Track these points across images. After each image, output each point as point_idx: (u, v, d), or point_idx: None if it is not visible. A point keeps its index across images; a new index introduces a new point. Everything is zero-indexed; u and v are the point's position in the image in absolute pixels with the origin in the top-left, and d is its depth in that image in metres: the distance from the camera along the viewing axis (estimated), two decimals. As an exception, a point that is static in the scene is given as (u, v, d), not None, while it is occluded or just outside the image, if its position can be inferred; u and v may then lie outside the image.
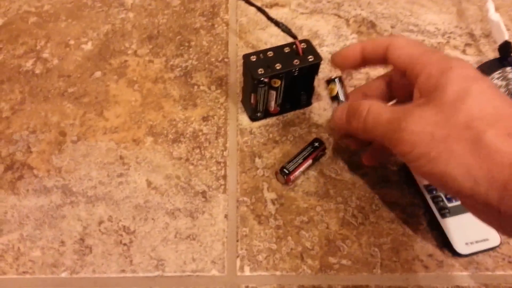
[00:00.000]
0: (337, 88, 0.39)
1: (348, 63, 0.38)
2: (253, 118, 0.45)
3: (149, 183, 0.40)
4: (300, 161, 0.40)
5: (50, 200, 0.38)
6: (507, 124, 0.27)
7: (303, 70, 0.42)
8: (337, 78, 0.39)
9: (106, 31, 0.52)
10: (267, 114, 0.45)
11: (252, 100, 0.43)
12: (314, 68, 0.43)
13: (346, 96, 0.39)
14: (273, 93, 0.43)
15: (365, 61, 0.37)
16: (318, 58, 0.43)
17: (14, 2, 0.54)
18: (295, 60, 0.41)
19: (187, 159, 0.41)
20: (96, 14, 0.53)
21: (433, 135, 0.28)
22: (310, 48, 0.42)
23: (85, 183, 0.40)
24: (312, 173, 0.41)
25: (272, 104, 0.43)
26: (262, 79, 0.40)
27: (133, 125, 0.43)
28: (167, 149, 0.42)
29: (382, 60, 0.35)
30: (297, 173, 0.40)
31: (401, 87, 0.37)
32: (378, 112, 0.32)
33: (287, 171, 0.39)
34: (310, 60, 0.42)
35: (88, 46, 0.50)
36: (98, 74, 0.47)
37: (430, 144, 0.28)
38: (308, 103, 0.47)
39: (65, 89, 0.46)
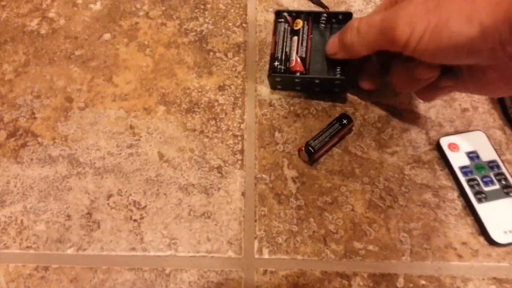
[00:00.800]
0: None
1: None
2: (272, 71, 0.38)
3: (161, 156, 0.36)
4: (326, 139, 0.36)
5: (56, 170, 0.35)
6: None
7: (331, 19, 0.40)
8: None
9: (116, -10, 0.47)
10: (287, 69, 0.38)
11: (272, 46, 0.39)
12: (345, 22, 0.38)
13: None
14: (295, 38, 0.39)
15: None
16: (348, 15, 0.39)
17: (18, -44, 0.49)
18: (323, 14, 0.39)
19: (202, 131, 0.38)
20: (106, -28, 0.49)
21: (427, 6, 0.28)
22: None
23: (93, 153, 0.36)
24: (336, 150, 0.38)
25: (294, 55, 0.38)
26: (283, 13, 0.40)
27: (144, 92, 0.40)
28: (180, 119, 0.38)
29: None
30: (322, 152, 0.36)
31: None
32: (369, 18, 0.32)
33: (312, 150, 0.36)
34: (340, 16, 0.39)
35: (97, 6, 0.46)
36: (107, 36, 0.43)
37: (426, 16, 0.27)
38: (343, 88, 0.39)
39: (72, 51, 0.42)
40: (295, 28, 0.40)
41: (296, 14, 0.40)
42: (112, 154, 0.36)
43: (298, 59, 0.38)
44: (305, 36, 0.39)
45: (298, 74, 0.38)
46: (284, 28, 0.40)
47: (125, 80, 0.40)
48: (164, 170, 0.36)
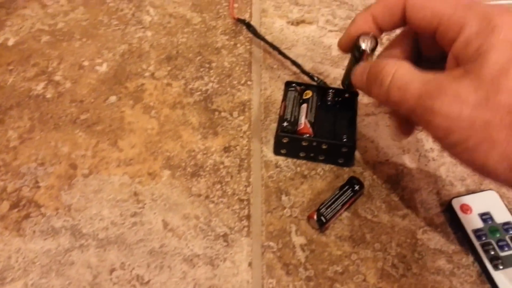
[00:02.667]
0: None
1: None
2: (280, 130, 0.36)
3: (165, 224, 0.34)
4: (338, 207, 0.34)
5: (58, 243, 0.33)
6: None
7: (338, 96, 0.38)
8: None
9: (122, 51, 0.46)
10: (296, 131, 0.36)
11: (281, 110, 0.37)
12: (350, 101, 0.38)
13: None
14: (304, 106, 0.38)
15: (380, 30, 0.30)
16: (355, 93, 0.38)
17: (27, 20, 0.49)
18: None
19: (207, 196, 0.36)
20: (112, 33, 0.48)
21: (472, 121, 0.22)
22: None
23: (96, 224, 0.34)
24: (346, 213, 0.35)
25: (303, 119, 0.37)
26: (294, 84, 0.39)
27: (149, 156, 0.38)
28: (185, 184, 0.36)
29: (400, 23, 0.28)
30: (333, 219, 0.34)
31: (431, 47, 0.29)
32: (405, 81, 0.25)
33: (324, 220, 0.33)
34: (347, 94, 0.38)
35: (103, 68, 0.45)
36: (113, 98, 0.42)
37: (468, 131, 0.23)
38: (348, 157, 0.37)
39: (78, 115, 0.41)
40: (305, 97, 0.39)
41: (305, 87, 0.40)
42: (115, 224, 0.34)
43: (307, 123, 0.36)
44: (314, 104, 0.38)
45: (306, 137, 0.36)
46: (294, 96, 0.39)
47: (130, 144, 0.39)
48: (168, 240, 0.33)
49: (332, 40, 0.49)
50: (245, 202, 0.36)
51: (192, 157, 0.38)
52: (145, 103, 0.42)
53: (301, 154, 0.38)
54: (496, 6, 0.24)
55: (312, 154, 0.38)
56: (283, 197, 0.36)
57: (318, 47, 0.48)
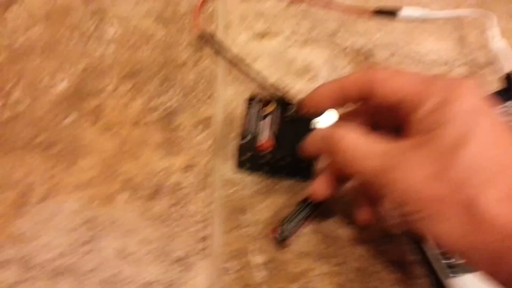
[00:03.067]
0: None
1: (324, 106, 0.30)
2: (241, 148, 0.36)
3: (120, 251, 0.33)
4: (298, 223, 0.33)
5: (5, 276, 0.32)
6: (507, 182, 0.22)
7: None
8: None
9: (83, 67, 0.45)
10: (255, 146, 0.36)
11: (242, 125, 0.37)
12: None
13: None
14: (266, 120, 0.37)
15: (345, 100, 0.30)
16: None
17: (-15, 37, 0.47)
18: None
19: (165, 219, 0.35)
20: (74, 48, 0.47)
21: (426, 193, 0.23)
22: None
23: (47, 254, 0.33)
24: (306, 228, 0.35)
25: (264, 134, 0.36)
26: (256, 98, 0.39)
27: (106, 178, 0.37)
28: (143, 207, 0.35)
29: (366, 97, 0.28)
30: (295, 235, 0.33)
31: (389, 119, 0.29)
32: (364, 153, 0.26)
33: (284, 236, 0.32)
34: None
35: (63, 85, 0.43)
36: (71, 117, 0.41)
37: (422, 203, 0.23)
38: (308, 173, 0.37)
39: (34, 137, 0.39)
40: (266, 112, 0.38)
41: (268, 101, 0.39)
42: (66, 253, 0.33)
43: (268, 138, 0.36)
44: (276, 119, 0.37)
45: (266, 152, 0.35)
46: (256, 110, 0.38)
47: (87, 166, 0.37)
48: (122, 268, 0.32)
49: (296, 52, 0.48)
50: (205, 223, 0.35)
51: (152, 177, 0.37)
52: (105, 121, 0.41)
53: (264, 168, 0.37)
54: (458, 78, 0.25)
55: (273, 169, 0.37)
56: (244, 216, 0.35)
57: (283, 59, 0.47)
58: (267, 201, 0.36)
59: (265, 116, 0.38)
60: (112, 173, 0.37)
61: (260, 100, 0.39)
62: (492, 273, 0.22)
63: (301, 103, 0.32)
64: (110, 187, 0.36)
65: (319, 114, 0.34)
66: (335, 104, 0.30)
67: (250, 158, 0.36)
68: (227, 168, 0.38)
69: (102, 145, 0.39)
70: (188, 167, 0.38)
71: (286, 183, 0.37)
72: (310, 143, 0.31)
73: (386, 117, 0.30)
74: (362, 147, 0.26)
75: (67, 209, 0.35)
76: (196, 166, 0.38)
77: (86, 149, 0.38)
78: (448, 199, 0.22)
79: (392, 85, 0.26)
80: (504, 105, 0.43)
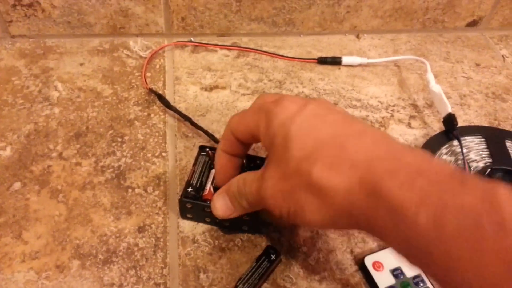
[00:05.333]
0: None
1: (231, 171, 0.37)
2: (184, 196, 0.38)
3: (75, 322, 0.33)
4: (256, 281, 0.35)
5: None
6: (327, 152, 0.27)
7: (250, 162, 0.40)
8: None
9: (27, 132, 0.46)
10: (199, 197, 0.38)
11: (189, 174, 0.39)
12: (260, 167, 0.40)
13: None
14: (213, 171, 0.39)
15: (240, 153, 0.37)
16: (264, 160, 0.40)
17: None
18: None
19: (121, 285, 0.35)
20: (17, 113, 0.48)
21: (283, 192, 0.29)
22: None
23: (-3, 331, 0.33)
24: (265, 285, 0.36)
25: (209, 185, 0.38)
26: (207, 149, 0.41)
27: (56, 246, 0.37)
28: (96, 274, 0.36)
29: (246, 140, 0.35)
30: None
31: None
32: (249, 183, 0.32)
33: None
34: (258, 161, 0.40)
35: (7, 152, 0.44)
36: (17, 185, 0.41)
37: (285, 202, 0.29)
38: (252, 227, 0.39)
39: (-23, 208, 0.39)
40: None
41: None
42: (19, 328, 0.33)
43: (212, 189, 0.38)
44: None
45: (208, 203, 0.37)
46: (205, 161, 0.40)
47: (35, 235, 0.38)
48: None
49: (246, 103, 0.51)
50: (162, 286, 0.36)
51: (104, 242, 0.38)
52: (52, 187, 0.41)
53: (207, 220, 0.39)
54: (272, 97, 0.32)
55: (217, 220, 0.38)
56: (201, 275, 0.37)
57: (232, 112, 0.50)
58: (226, 258, 0.38)
59: (211, 167, 0.40)
60: (62, 241, 0.38)
61: (210, 151, 0.41)
62: (353, 229, 0.30)
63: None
64: (61, 255, 0.36)
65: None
66: (235, 163, 0.37)
67: (192, 207, 0.38)
68: (183, 226, 0.39)
69: (50, 212, 0.39)
70: (141, 228, 0.39)
71: (244, 237, 0.39)
72: (222, 205, 0.35)
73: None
74: (250, 181, 0.32)
75: (18, 282, 0.35)
76: (150, 226, 0.39)
77: (33, 217, 0.39)
78: (296, 187, 0.28)
79: (242, 128, 0.33)
80: (446, 145, 0.48)
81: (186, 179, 0.41)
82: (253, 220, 0.38)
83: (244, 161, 0.39)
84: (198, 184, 0.38)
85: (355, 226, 0.27)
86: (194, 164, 0.40)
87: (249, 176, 0.32)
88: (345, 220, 0.27)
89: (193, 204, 0.37)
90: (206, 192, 0.38)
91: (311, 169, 0.27)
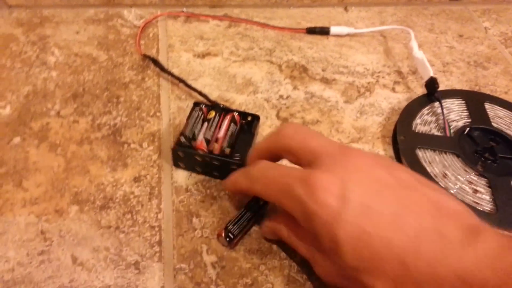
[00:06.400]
0: None
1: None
2: (176, 144, 0.40)
3: (74, 259, 0.35)
4: (245, 223, 0.37)
5: (-43, 291, 0.33)
6: (388, 269, 0.25)
7: (241, 118, 0.43)
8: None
9: (26, 93, 0.48)
10: (191, 146, 0.40)
11: (183, 126, 0.41)
12: (251, 123, 0.42)
13: None
14: (205, 124, 0.41)
15: (274, 158, 0.36)
16: (257, 116, 0.43)
17: None
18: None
19: (117, 227, 0.37)
20: (16, 76, 0.49)
21: (338, 284, 0.29)
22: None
23: (1, 266, 0.34)
24: (254, 228, 0.38)
25: (201, 136, 0.40)
26: (201, 105, 0.43)
27: (55, 193, 0.39)
28: (94, 217, 0.38)
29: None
30: (241, 235, 0.37)
31: None
32: (297, 244, 0.33)
33: (232, 236, 0.36)
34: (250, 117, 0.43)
35: (6, 110, 0.46)
36: (17, 140, 0.43)
37: (339, 280, 0.29)
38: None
39: (-21, 161, 0.41)
40: (208, 117, 0.42)
41: (211, 108, 0.44)
42: (22, 264, 0.35)
43: (203, 141, 0.40)
44: (214, 124, 0.41)
45: (200, 152, 0.39)
46: (198, 115, 0.42)
47: (35, 184, 0.40)
48: (78, 274, 0.34)
49: (237, 69, 0.53)
50: (156, 229, 0.38)
51: (101, 190, 0.40)
52: (50, 141, 0.43)
53: (197, 169, 0.41)
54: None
55: (207, 170, 0.41)
56: (194, 219, 0.39)
57: (224, 77, 0.52)
58: (217, 205, 0.40)
59: (205, 121, 0.42)
60: (61, 189, 0.39)
61: (203, 107, 0.43)
62: None
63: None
64: (60, 201, 0.38)
65: None
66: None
67: (184, 156, 0.40)
68: (176, 177, 0.41)
69: (49, 163, 0.41)
70: (137, 178, 0.41)
71: (233, 186, 0.41)
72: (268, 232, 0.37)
73: None
74: (294, 239, 0.33)
75: (20, 224, 0.37)
76: (145, 177, 0.41)
77: (33, 168, 0.41)
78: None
79: (269, 192, 0.32)
80: (428, 107, 0.50)
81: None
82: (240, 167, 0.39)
83: (237, 118, 0.42)
84: (191, 135, 0.40)
85: None
86: (188, 118, 0.42)
87: (297, 238, 0.33)
88: None
89: (185, 152, 0.39)
90: (198, 142, 0.40)
91: (374, 283, 0.25)
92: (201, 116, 0.42)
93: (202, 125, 0.42)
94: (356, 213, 0.25)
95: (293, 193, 0.28)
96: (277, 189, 0.30)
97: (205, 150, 0.39)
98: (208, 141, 0.40)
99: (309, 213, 0.27)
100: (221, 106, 0.44)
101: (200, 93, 0.48)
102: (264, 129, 0.46)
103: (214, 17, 0.60)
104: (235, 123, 0.42)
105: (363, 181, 0.27)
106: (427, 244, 0.24)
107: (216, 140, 0.40)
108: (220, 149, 0.40)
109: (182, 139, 0.40)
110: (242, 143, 0.41)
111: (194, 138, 0.40)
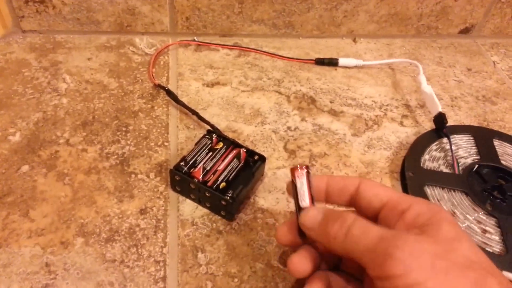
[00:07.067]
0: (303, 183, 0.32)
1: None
2: (175, 167, 0.40)
3: (78, 294, 0.35)
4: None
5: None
6: (501, 278, 0.26)
7: (248, 156, 0.43)
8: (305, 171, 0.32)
9: (36, 120, 0.48)
10: (188, 172, 0.40)
11: (192, 149, 0.42)
12: (256, 162, 0.43)
13: (310, 196, 0.32)
14: (210, 154, 0.42)
15: (328, 198, 0.33)
16: (263, 157, 0.43)
17: None
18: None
19: (122, 261, 0.37)
20: (27, 102, 0.50)
21: (433, 264, 0.25)
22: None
23: (4, 299, 0.34)
24: (259, 265, 0.38)
25: (200, 165, 0.40)
26: (213, 134, 0.43)
27: (61, 224, 0.39)
28: (99, 250, 0.37)
29: (348, 200, 0.33)
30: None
31: (351, 264, 0.33)
32: (365, 225, 0.28)
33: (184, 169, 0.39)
34: (256, 157, 0.43)
35: (16, 138, 0.46)
36: (25, 168, 0.43)
37: (429, 273, 0.25)
38: (229, 213, 0.40)
39: (-13, 188, 0.41)
40: (215, 147, 0.42)
41: (221, 139, 0.44)
42: (25, 297, 0.34)
43: (201, 169, 0.40)
44: (217, 155, 0.41)
45: (195, 180, 0.39)
46: (206, 143, 0.42)
47: (42, 214, 0.39)
48: (81, 309, 0.34)
49: (245, 99, 0.53)
50: (161, 264, 0.37)
51: (107, 222, 0.39)
52: (58, 170, 0.43)
53: (192, 196, 0.41)
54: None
55: (200, 199, 0.41)
56: (199, 255, 0.38)
57: (232, 107, 0.52)
58: (222, 239, 0.39)
59: (210, 151, 0.42)
60: (67, 220, 0.39)
61: (214, 137, 0.44)
62: None
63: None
64: (66, 233, 0.38)
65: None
66: (320, 198, 0.33)
67: (180, 180, 0.40)
68: (183, 209, 0.41)
69: (56, 193, 0.41)
70: (143, 210, 0.41)
71: (240, 220, 0.41)
72: (311, 217, 0.31)
73: (349, 265, 0.33)
74: (368, 224, 0.28)
75: (25, 255, 0.36)
76: (152, 209, 0.41)
77: (40, 197, 0.40)
78: (458, 272, 0.25)
79: (378, 191, 0.31)
80: (436, 142, 0.49)
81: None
82: (230, 207, 0.39)
83: (242, 155, 0.42)
84: (192, 161, 0.41)
85: None
86: (196, 144, 0.43)
87: (367, 221, 0.29)
88: None
89: (181, 177, 0.40)
90: (196, 169, 0.40)
91: (487, 276, 0.25)
92: (208, 145, 0.42)
93: (206, 154, 0.42)
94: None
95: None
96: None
97: (199, 179, 0.39)
98: (206, 171, 0.40)
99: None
100: (231, 140, 0.44)
101: (212, 126, 0.48)
102: (271, 161, 0.46)
103: (224, 46, 0.60)
104: (239, 159, 0.42)
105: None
106: None
107: (214, 172, 0.40)
108: (213, 181, 0.39)
109: (182, 163, 0.40)
110: (240, 181, 0.40)
111: (194, 165, 0.40)
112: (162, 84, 0.53)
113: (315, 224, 0.31)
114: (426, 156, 0.48)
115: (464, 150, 0.49)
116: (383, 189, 0.32)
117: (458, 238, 0.27)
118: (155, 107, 0.51)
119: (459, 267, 0.25)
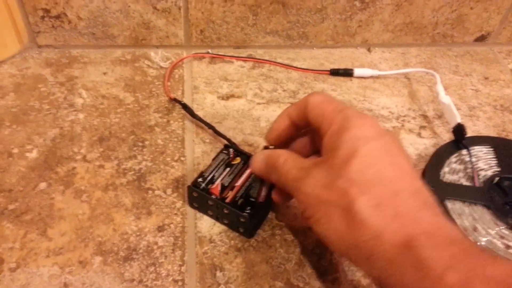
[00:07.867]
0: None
1: (283, 136, 0.38)
2: (193, 184, 0.39)
3: (97, 315, 0.34)
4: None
5: None
6: (380, 192, 0.27)
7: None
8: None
9: (53, 136, 0.47)
10: (206, 189, 0.39)
11: (209, 164, 0.41)
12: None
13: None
14: (227, 169, 0.41)
15: (298, 127, 0.37)
16: None
17: (-47, 110, 0.49)
18: None
19: (141, 280, 0.36)
20: (44, 118, 0.49)
21: (319, 198, 0.29)
22: None
23: (23, 321, 0.34)
24: (279, 284, 0.37)
25: (218, 180, 0.40)
26: (230, 148, 0.43)
27: (79, 243, 0.38)
28: (117, 269, 0.37)
29: (305, 120, 0.35)
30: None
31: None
32: (290, 167, 0.33)
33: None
34: None
35: (33, 154, 0.45)
36: (42, 185, 0.43)
37: (315, 207, 0.29)
38: (247, 230, 0.39)
39: (5, 206, 0.40)
40: (232, 162, 0.41)
41: (239, 153, 0.43)
42: (44, 319, 0.34)
43: (219, 186, 0.39)
44: (235, 171, 0.41)
45: (213, 196, 0.38)
46: (223, 158, 0.42)
47: (60, 232, 0.39)
48: (100, 331, 0.33)
49: (260, 112, 0.52)
50: (180, 283, 0.36)
51: (125, 240, 0.39)
52: (76, 187, 0.43)
53: (209, 212, 0.40)
54: (357, 110, 0.32)
55: (218, 216, 0.40)
56: (218, 273, 0.37)
57: (248, 120, 0.51)
58: (241, 257, 0.38)
59: (228, 166, 0.41)
60: (85, 238, 0.39)
61: (232, 151, 0.43)
62: (366, 269, 0.28)
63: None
64: (84, 252, 0.38)
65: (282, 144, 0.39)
66: (292, 133, 0.37)
67: (198, 197, 0.40)
68: (201, 226, 0.40)
69: (74, 210, 0.41)
70: (161, 228, 0.40)
71: (259, 238, 0.40)
72: (258, 164, 0.38)
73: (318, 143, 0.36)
74: (293, 163, 0.33)
75: (43, 276, 0.36)
76: (169, 226, 0.40)
77: (58, 215, 0.40)
78: (334, 202, 0.28)
79: (317, 111, 0.33)
80: (456, 154, 0.48)
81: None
82: (249, 225, 0.38)
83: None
84: (210, 177, 0.40)
85: (365, 268, 0.28)
86: (214, 159, 0.42)
87: (294, 161, 0.33)
88: (359, 258, 0.28)
89: (199, 194, 0.39)
90: (213, 186, 0.39)
91: (358, 198, 0.27)
92: (226, 160, 0.42)
93: (224, 169, 0.41)
94: (382, 147, 0.29)
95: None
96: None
97: (218, 196, 0.38)
98: (224, 188, 0.39)
99: (348, 125, 0.30)
100: (249, 155, 0.43)
101: (229, 140, 0.47)
102: (289, 177, 0.45)
103: (239, 58, 0.59)
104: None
105: (393, 144, 0.31)
106: (422, 198, 0.28)
107: (232, 188, 0.39)
108: (232, 198, 0.39)
109: (200, 179, 0.39)
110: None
111: (212, 181, 0.39)
112: (177, 98, 0.53)
113: (261, 171, 0.38)
114: (445, 169, 0.46)
115: (484, 162, 0.48)
116: (321, 107, 0.33)
117: (348, 160, 0.28)
118: (171, 121, 0.51)
119: (337, 196, 0.28)
